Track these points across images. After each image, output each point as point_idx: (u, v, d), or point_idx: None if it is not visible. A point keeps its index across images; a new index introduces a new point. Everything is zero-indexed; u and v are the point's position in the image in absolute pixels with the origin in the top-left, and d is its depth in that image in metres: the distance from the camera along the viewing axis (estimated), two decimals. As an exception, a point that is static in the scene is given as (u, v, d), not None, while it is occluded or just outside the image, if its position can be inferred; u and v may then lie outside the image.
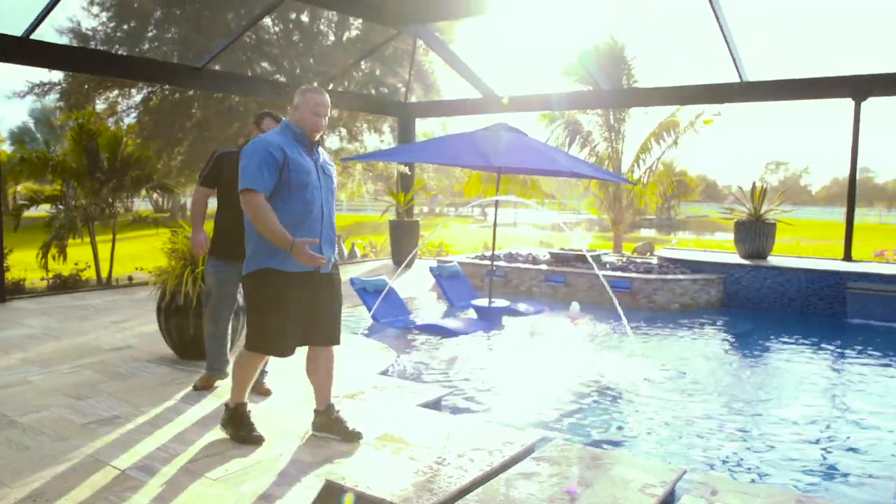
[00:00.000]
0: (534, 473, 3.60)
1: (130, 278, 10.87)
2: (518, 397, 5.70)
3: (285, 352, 3.89)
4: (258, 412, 4.55)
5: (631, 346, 7.32)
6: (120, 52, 21.88)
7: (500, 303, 8.68)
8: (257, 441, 3.97)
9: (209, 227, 5.12)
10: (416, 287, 10.83)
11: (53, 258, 10.03)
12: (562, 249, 11.90)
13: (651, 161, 17.78)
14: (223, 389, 5.02)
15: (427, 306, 9.62)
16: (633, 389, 5.85)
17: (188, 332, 5.69)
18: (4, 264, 8.75)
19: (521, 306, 9.06)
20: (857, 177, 10.68)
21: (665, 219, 42.37)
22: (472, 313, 8.81)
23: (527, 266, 10.95)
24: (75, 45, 21.89)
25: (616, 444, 4.64)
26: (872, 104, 10.92)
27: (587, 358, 6.93)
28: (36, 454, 3.80)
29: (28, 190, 11.94)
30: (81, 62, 11.03)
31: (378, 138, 27.72)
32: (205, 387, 5.03)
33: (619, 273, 10.15)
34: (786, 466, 4.28)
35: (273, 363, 5.17)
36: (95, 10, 23.02)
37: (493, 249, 9.50)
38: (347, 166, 26.08)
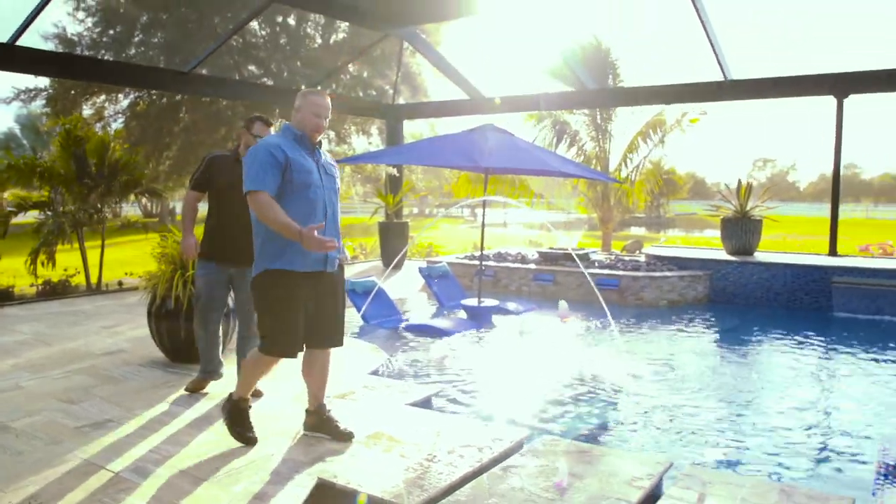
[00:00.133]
0: (522, 468, 3.66)
1: (120, 283, 10.87)
2: (507, 395, 5.76)
3: (295, 354, 3.93)
4: (250, 413, 4.60)
5: (618, 342, 7.40)
6: (106, 58, 21.82)
7: (489, 302, 8.75)
8: (250, 441, 4.01)
9: (199, 230, 5.15)
10: (406, 288, 10.87)
11: (42, 264, 10.00)
12: (550, 249, 11.98)
13: (638, 160, 17.89)
14: (215, 392, 5.06)
15: (417, 307, 9.67)
16: (621, 385, 5.92)
17: (179, 336, 5.72)
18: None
19: (511, 305, 9.13)
20: (845, 173, 10.83)
21: (654, 217, 42.56)
22: (461, 313, 8.87)
23: (516, 265, 11.02)
24: (61, 50, 21.83)
25: (604, 439, 4.71)
26: (856, 101, 11.06)
27: (576, 355, 7.01)
28: (30, 458, 3.82)
29: (15, 196, 11.89)
30: (67, 68, 11.04)
31: (366, 140, 27.77)
32: (197, 389, 5.07)
33: (607, 271, 10.24)
34: (771, 457, 4.36)
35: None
36: (81, 15, 22.96)
37: (482, 249, 9.57)
38: (336, 168, 26.05)
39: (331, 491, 3.47)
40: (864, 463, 4.23)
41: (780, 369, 6.66)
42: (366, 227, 15.94)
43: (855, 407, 5.45)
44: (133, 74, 12.12)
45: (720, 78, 10.98)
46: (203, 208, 5.19)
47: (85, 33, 23.23)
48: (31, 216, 11.32)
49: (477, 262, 10.74)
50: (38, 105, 26.55)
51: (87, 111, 24.70)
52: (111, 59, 21.79)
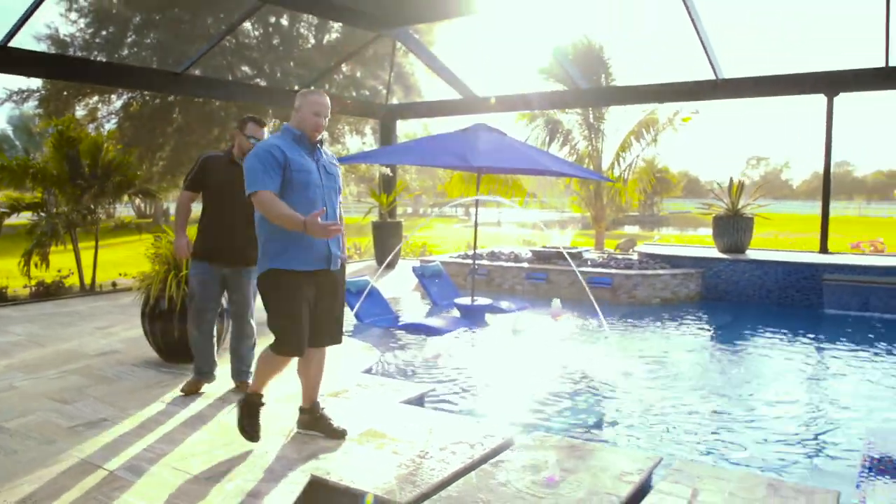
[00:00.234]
0: (513, 464, 3.70)
1: (114, 284, 10.87)
2: (500, 392, 5.80)
3: (303, 352, 3.98)
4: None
5: (610, 340, 7.44)
6: (99, 59, 21.81)
7: (482, 301, 8.79)
8: (251, 438, 4.00)
9: (193, 230, 5.17)
10: (400, 287, 10.91)
11: (36, 266, 9.99)
12: (543, 247, 12.03)
13: (631, 159, 17.93)
14: (210, 391, 5.09)
15: (411, 306, 9.71)
16: (613, 382, 5.97)
17: (173, 336, 5.74)
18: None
19: (504, 304, 9.17)
20: (838, 170, 10.98)
21: (648, 215, 42.67)
22: (455, 312, 8.91)
23: (509, 264, 11.06)
24: (54, 51, 21.79)
25: (596, 435, 4.75)
26: (849, 100, 11.13)
27: (568, 353, 7.05)
28: (24, 457, 3.85)
29: (8, 198, 11.86)
30: (60, 69, 11.04)
31: (360, 140, 27.80)
32: (192, 391, 5.05)
33: (600, 269, 10.29)
34: (760, 452, 4.41)
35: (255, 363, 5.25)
36: (73, 16, 22.96)
37: (475, 248, 9.61)
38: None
39: (324, 488, 3.51)
40: (852, 457, 4.28)
41: (770, 365, 6.71)
42: (360, 226, 15.94)
43: (844, 402, 5.51)
44: (126, 75, 12.12)
45: (712, 77, 11.05)
46: (197, 209, 5.22)
47: (77, 34, 23.23)
48: (25, 217, 11.31)
49: (470, 262, 10.78)
50: (30, 106, 26.52)
51: (79, 112, 24.68)
52: (104, 60, 21.78)
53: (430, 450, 3.89)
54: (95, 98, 24.74)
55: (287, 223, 3.70)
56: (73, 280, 10.56)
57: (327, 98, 4.02)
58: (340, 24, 21.94)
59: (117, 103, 25.29)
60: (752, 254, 10.75)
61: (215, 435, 4.19)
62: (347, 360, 5.96)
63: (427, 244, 17.56)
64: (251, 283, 5.02)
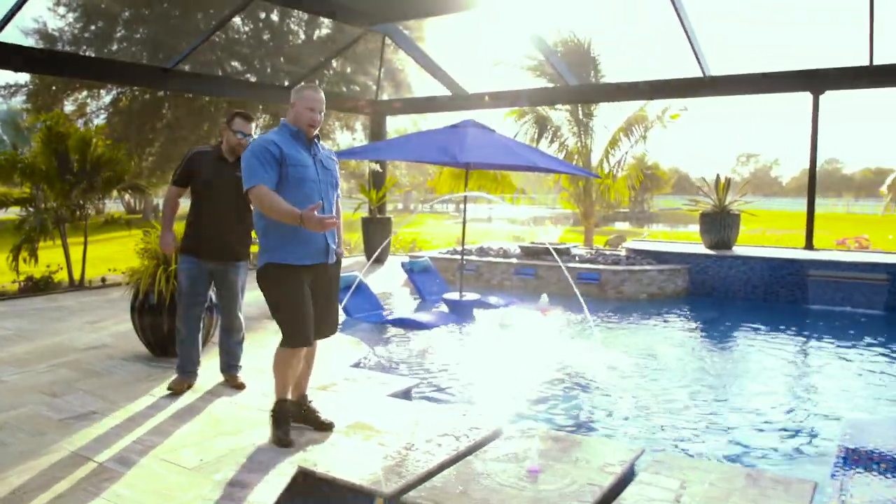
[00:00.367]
0: (498, 455, 3.76)
1: (104, 279, 10.86)
2: (487, 386, 5.86)
3: (311, 341, 4.03)
4: (232, 405, 4.69)
5: (597, 335, 7.52)
6: (88, 54, 21.71)
7: (471, 296, 8.85)
8: (286, 444, 3.92)
9: (180, 226, 5.20)
10: (389, 282, 10.96)
11: (24, 261, 9.98)
12: (532, 243, 12.10)
13: (620, 155, 18.03)
14: (198, 384, 5.12)
15: (399, 301, 9.76)
16: (599, 376, 6.04)
17: (162, 330, 5.77)
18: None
19: (492, 299, 9.23)
20: (826, 168, 11.10)
21: (638, 212, 42.83)
22: (443, 307, 8.96)
23: (498, 260, 11.13)
24: (41, 46, 21.69)
25: (581, 428, 4.82)
26: (837, 97, 11.22)
27: (556, 348, 7.12)
28: (14, 450, 3.88)
29: (-4, 193, 11.83)
30: (48, 64, 11.00)
31: (350, 136, 27.79)
32: (178, 390, 4.99)
33: (587, 265, 10.37)
34: (742, 443, 4.49)
35: (245, 357, 5.30)
36: (62, 10, 22.83)
37: (463, 244, 9.67)
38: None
39: (311, 478, 3.56)
40: (830, 448, 4.36)
41: (754, 360, 6.80)
42: (350, 222, 15.98)
43: (824, 395, 5.60)
44: (115, 71, 12.09)
45: (699, 74, 11.13)
46: (186, 204, 5.24)
47: (66, 29, 23.11)
48: (13, 213, 11.29)
49: (459, 257, 10.84)
50: (18, 101, 26.40)
51: (68, 107, 24.58)
52: (92, 55, 21.69)
53: (416, 442, 3.95)
54: (84, 93, 24.64)
55: (284, 217, 3.74)
56: (63, 275, 10.54)
57: (321, 93, 4.07)
58: (330, 20, 21.92)
59: (106, 98, 25.21)
60: (738, 250, 10.85)
61: (204, 427, 4.23)
62: (336, 354, 6.00)
63: (417, 240, 17.61)
64: (239, 278, 5.06)
